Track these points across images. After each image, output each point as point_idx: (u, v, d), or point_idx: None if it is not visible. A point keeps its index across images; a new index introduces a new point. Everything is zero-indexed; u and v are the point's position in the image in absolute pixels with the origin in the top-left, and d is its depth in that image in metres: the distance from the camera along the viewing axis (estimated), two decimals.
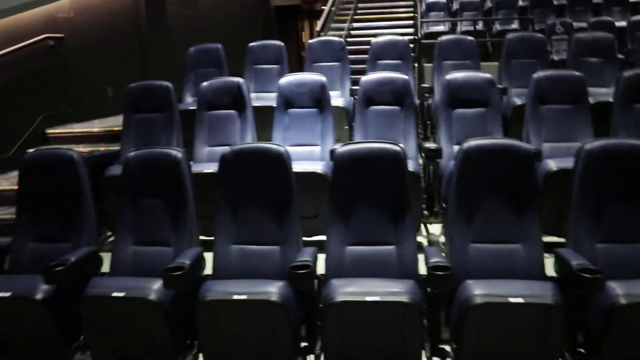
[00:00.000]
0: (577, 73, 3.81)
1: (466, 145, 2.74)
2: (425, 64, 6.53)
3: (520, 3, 8.17)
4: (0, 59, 4.56)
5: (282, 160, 2.76)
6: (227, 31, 9.43)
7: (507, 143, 2.75)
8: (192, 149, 3.92)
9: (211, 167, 3.42)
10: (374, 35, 8.60)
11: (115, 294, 2.43)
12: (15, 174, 4.62)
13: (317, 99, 3.84)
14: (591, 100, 4.25)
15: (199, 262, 2.64)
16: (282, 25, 12.21)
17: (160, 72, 6.66)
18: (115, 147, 4.72)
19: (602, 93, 4.58)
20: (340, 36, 8.37)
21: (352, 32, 8.95)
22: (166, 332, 2.47)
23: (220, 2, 9.32)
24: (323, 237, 3.41)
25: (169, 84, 4.01)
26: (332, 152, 3.39)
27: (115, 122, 5.54)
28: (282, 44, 5.17)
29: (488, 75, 3.79)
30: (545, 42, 4.93)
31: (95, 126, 5.31)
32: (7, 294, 2.53)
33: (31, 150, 4.48)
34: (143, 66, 6.60)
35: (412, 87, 3.89)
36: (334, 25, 8.17)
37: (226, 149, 3.80)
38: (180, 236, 2.82)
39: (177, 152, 2.85)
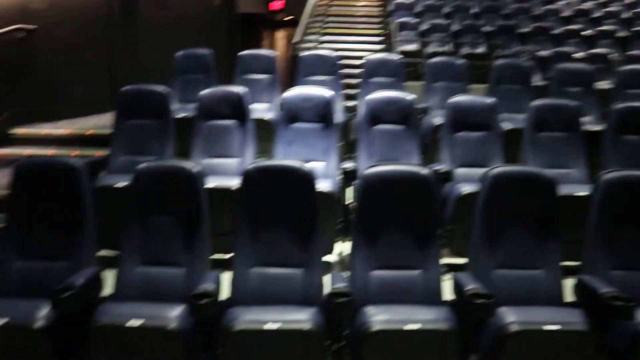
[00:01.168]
0: (572, 103, 3.93)
1: (495, 171, 2.73)
2: None
3: (487, 28, 8.41)
4: None
5: (309, 180, 2.64)
6: (195, 34, 9.11)
7: (532, 171, 2.78)
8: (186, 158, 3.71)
9: (214, 181, 3.25)
10: (343, 49, 8.66)
11: (130, 323, 2.22)
12: None
13: (323, 114, 3.72)
14: None
15: (220, 286, 2.47)
16: (243, 32, 11.98)
17: (129, 74, 6.33)
18: (88, 152, 4.41)
19: (587, 121, 4.78)
20: (309, 48, 8.31)
21: (321, 45, 8.90)
22: None
23: (188, 4, 9.01)
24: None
25: (166, 89, 3.77)
26: (346, 171, 3.32)
27: (84, 124, 5.19)
28: (275, 53, 5.02)
29: (492, 100, 3.84)
30: (532, 69, 5.08)
31: (64, 128, 4.93)
32: (2, 322, 2.24)
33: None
34: (112, 67, 6.22)
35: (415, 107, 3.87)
36: (310, 37, 8.12)
37: (230, 161, 3.68)
38: (193, 257, 2.62)
39: (193, 166, 2.66)
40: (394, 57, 5.19)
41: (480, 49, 7.96)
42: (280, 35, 15.18)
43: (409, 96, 3.82)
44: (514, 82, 4.94)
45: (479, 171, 3.66)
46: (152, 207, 2.64)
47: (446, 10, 9.35)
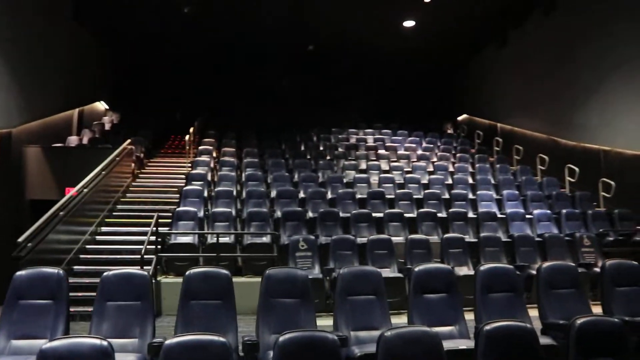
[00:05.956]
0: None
1: None
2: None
3: (278, 214, 7.89)
4: None
5: None
6: None
7: None
8: None
9: None
10: (122, 242, 7.41)
11: None
12: None
13: None
14: (357, 350, 3.59)
15: None
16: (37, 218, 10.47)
17: None
18: None
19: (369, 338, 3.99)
20: (79, 241, 7.10)
21: (98, 237, 7.76)
22: None
23: None
24: None
25: None
26: None
27: None
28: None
29: (222, 340, 2.83)
30: (307, 279, 4.24)
31: None
32: None
33: None
34: None
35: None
36: (75, 228, 7.00)
37: None
38: None
39: None
40: (140, 273, 4.01)
41: (265, 239, 7.30)
42: None
43: (105, 341, 2.69)
44: (288, 296, 4.08)
45: None
46: None
47: (273, 194, 8.95)
